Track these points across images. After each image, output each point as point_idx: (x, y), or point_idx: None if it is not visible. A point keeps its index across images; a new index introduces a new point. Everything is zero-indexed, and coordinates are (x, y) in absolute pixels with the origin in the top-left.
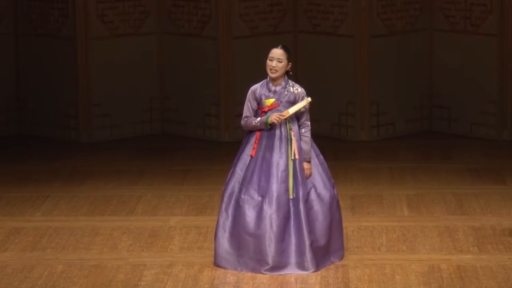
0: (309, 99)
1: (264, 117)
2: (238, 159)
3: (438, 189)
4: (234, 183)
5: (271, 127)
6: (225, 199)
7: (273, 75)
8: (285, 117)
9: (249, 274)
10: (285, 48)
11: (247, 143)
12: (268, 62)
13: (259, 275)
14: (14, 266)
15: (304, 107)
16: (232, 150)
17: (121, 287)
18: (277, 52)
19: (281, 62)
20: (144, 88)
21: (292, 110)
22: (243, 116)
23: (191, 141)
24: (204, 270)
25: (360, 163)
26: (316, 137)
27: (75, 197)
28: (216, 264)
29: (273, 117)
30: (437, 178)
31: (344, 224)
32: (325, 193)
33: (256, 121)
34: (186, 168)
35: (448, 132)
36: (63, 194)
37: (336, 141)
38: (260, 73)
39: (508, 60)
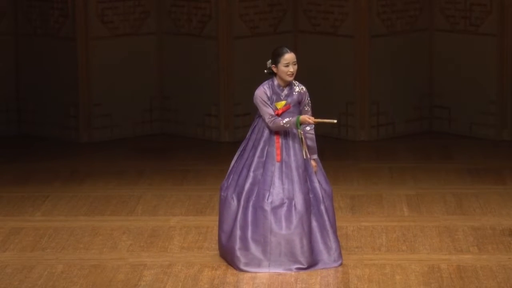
0: (335, 121)
1: (294, 120)
2: (251, 162)
3: (438, 189)
4: (251, 186)
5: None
6: (243, 203)
7: (291, 79)
8: (312, 123)
9: (249, 274)
10: (292, 50)
11: (258, 146)
12: (284, 68)
13: (259, 275)
14: (14, 266)
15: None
16: (232, 150)
17: (121, 287)
18: (292, 57)
19: (295, 65)
20: (144, 88)
21: (319, 121)
22: (268, 116)
23: (191, 141)
24: (204, 270)
25: (360, 163)
26: (316, 136)
27: (75, 197)
28: (240, 270)
29: (305, 119)
30: (437, 178)
31: (344, 224)
32: (328, 188)
33: (284, 122)
34: (186, 168)
35: (448, 132)
36: (63, 194)
37: (336, 141)
38: (260, 73)
39: (508, 60)
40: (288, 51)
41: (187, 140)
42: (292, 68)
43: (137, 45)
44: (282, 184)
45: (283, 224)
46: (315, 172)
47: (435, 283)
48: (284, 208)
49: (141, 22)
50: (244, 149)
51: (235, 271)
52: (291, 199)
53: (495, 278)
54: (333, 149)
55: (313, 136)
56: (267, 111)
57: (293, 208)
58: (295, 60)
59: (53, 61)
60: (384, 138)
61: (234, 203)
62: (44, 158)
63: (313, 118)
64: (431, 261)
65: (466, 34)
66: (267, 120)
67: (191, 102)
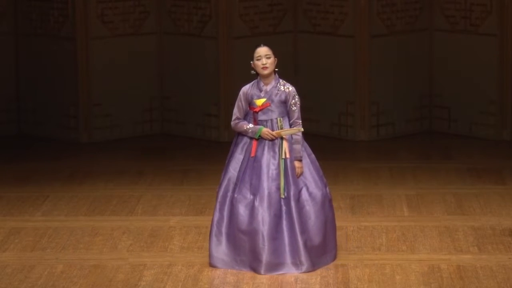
0: (302, 129)
1: (256, 128)
2: (231, 158)
3: (438, 189)
4: (228, 182)
5: (260, 137)
6: (219, 199)
7: (265, 72)
8: (275, 137)
9: (249, 274)
10: (267, 44)
11: (239, 142)
12: (257, 62)
13: (258, 275)
14: (14, 266)
15: (298, 130)
16: None
17: (121, 287)
18: (263, 50)
19: (269, 58)
20: (144, 88)
21: (284, 133)
22: (234, 117)
23: (191, 141)
24: (204, 270)
25: (360, 163)
26: (316, 136)
27: (75, 197)
28: (212, 265)
29: (265, 133)
30: (437, 178)
31: (344, 224)
32: (317, 192)
33: (247, 127)
34: (186, 168)
35: (448, 132)
36: (63, 194)
37: (336, 141)
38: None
39: (508, 60)
40: (261, 45)
41: (187, 140)
42: (265, 61)
43: (137, 45)
44: (250, 179)
45: (247, 219)
46: (298, 174)
47: (435, 283)
48: (249, 204)
49: (141, 22)
50: (231, 147)
51: (235, 271)
52: (255, 195)
53: (495, 278)
54: (333, 149)
55: (299, 138)
56: (236, 112)
57: (256, 203)
58: (269, 53)
59: (53, 61)
60: (384, 138)
61: None
62: (44, 158)
63: (276, 132)
64: (431, 261)
65: (466, 34)
66: (232, 119)
67: (191, 102)
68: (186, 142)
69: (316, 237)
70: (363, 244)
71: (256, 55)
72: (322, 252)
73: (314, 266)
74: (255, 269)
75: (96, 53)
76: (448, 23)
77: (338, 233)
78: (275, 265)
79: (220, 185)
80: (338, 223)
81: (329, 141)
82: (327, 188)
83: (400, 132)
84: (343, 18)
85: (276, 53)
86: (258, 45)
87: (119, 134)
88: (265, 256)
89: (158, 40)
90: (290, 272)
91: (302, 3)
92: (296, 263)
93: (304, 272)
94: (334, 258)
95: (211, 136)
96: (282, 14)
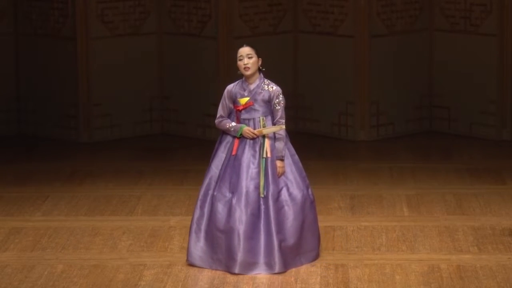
0: (283, 126)
1: (238, 127)
2: (214, 156)
3: (438, 189)
4: (209, 180)
5: (242, 136)
6: (201, 196)
7: (247, 73)
8: (257, 135)
9: (249, 275)
10: (250, 44)
11: (223, 141)
12: (239, 62)
13: (258, 276)
14: (14, 266)
15: (280, 128)
16: None
17: (121, 287)
18: (245, 50)
19: (251, 58)
20: (144, 88)
21: (266, 131)
22: (218, 115)
23: (191, 141)
24: (204, 270)
25: (360, 163)
26: (315, 136)
27: (75, 197)
28: (190, 263)
29: (246, 131)
30: (437, 178)
31: (344, 224)
32: (297, 193)
33: (229, 125)
34: (186, 168)
35: (448, 132)
36: (63, 194)
37: (336, 141)
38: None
39: (508, 60)
40: (244, 45)
41: (187, 140)
42: (246, 61)
43: (137, 45)
44: (230, 178)
45: (225, 217)
46: (279, 174)
47: (435, 283)
48: (227, 202)
49: (141, 22)
50: (215, 145)
51: (222, 271)
52: (233, 194)
53: (495, 278)
54: (333, 149)
55: (282, 137)
56: (220, 110)
57: (233, 202)
58: (250, 53)
59: (53, 61)
60: (384, 138)
61: None
62: (44, 158)
63: (257, 130)
64: (431, 261)
65: (466, 34)
66: (216, 117)
67: (191, 102)
68: (186, 142)
69: (291, 238)
70: (363, 244)
71: (238, 55)
72: (295, 253)
73: (286, 267)
74: (229, 268)
75: (96, 53)
76: (448, 23)
77: (338, 233)
78: (249, 264)
79: (202, 182)
80: (338, 223)
81: (329, 141)
82: (310, 190)
83: (400, 132)
84: (343, 18)
85: (276, 53)
86: (241, 45)
87: (119, 134)
88: (240, 255)
89: (158, 40)
90: (263, 273)
91: (302, 3)
92: (270, 264)
93: (277, 273)
94: (312, 259)
95: (211, 136)
96: (282, 14)
